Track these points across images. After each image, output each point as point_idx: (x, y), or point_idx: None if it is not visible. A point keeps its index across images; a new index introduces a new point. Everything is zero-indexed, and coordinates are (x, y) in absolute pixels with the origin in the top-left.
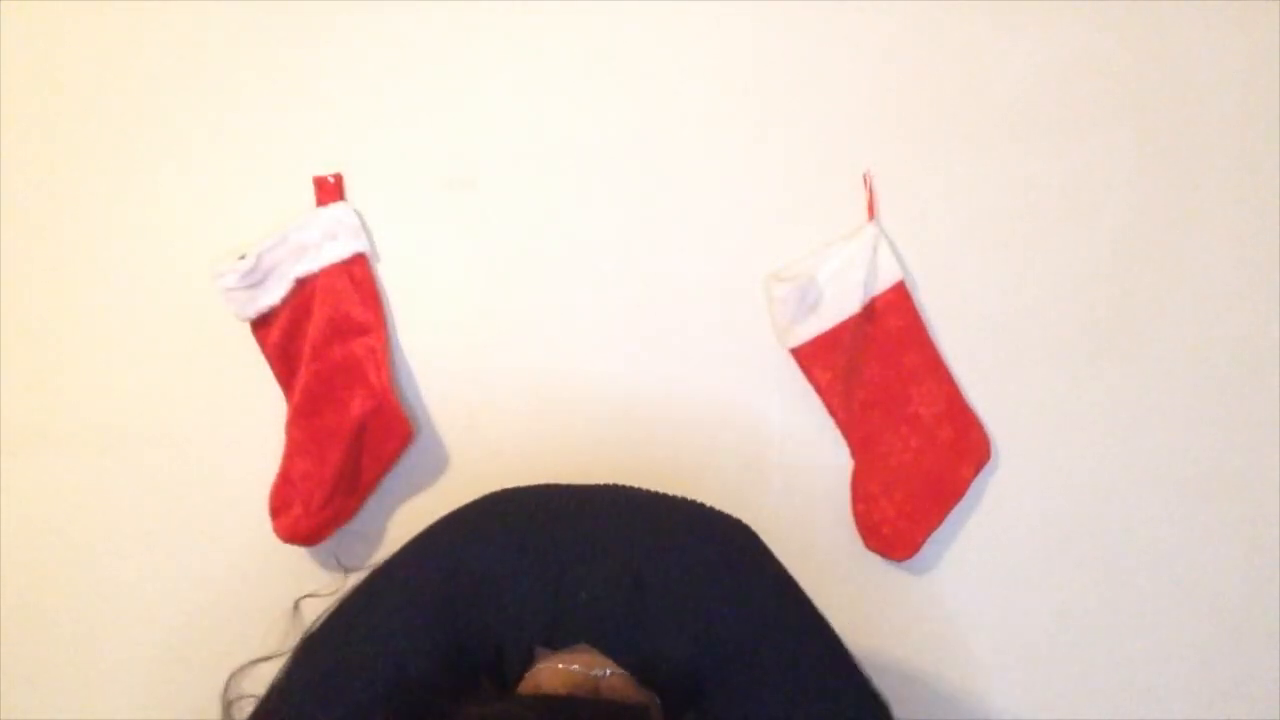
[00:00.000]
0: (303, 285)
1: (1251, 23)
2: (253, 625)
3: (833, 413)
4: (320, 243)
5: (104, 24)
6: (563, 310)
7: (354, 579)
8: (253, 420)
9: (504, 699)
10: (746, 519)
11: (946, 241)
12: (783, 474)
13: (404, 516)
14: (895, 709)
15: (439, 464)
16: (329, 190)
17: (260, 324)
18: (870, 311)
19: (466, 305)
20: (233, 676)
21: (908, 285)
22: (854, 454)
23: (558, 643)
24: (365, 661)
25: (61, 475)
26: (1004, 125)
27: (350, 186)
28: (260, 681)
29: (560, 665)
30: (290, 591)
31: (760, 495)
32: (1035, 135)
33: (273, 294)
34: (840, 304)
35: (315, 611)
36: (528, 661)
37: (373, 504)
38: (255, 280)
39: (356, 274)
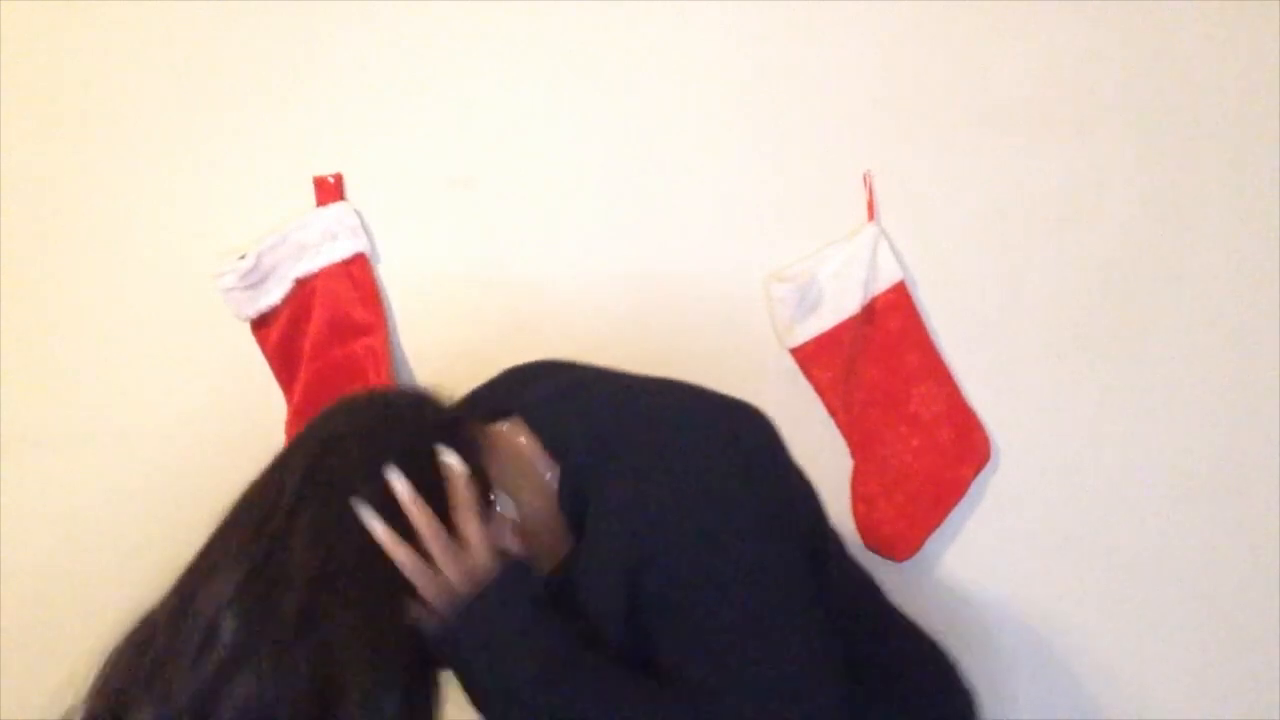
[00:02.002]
0: (303, 285)
1: (1251, 23)
2: None
3: (833, 413)
4: (320, 243)
5: (104, 24)
6: (563, 309)
7: None
8: (253, 420)
9: None
10: None
11: (946, 241)
12: None
13: None
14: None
15: None
16: (329, 190)
17: (260, 324)
18: (870, 312)
19: (466, 305)
20: None
21: (908, 285)
22: (854, 454)
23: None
24: None
25: (60, 475)
26: (1004, 125)
27: (350, 186)
28: None
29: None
30: None
31: None
32: (1035, 135)
33: (273, 294)
34: (840, 304)
35: None
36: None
37: None
38: (255, 280)
39: (356, 274)
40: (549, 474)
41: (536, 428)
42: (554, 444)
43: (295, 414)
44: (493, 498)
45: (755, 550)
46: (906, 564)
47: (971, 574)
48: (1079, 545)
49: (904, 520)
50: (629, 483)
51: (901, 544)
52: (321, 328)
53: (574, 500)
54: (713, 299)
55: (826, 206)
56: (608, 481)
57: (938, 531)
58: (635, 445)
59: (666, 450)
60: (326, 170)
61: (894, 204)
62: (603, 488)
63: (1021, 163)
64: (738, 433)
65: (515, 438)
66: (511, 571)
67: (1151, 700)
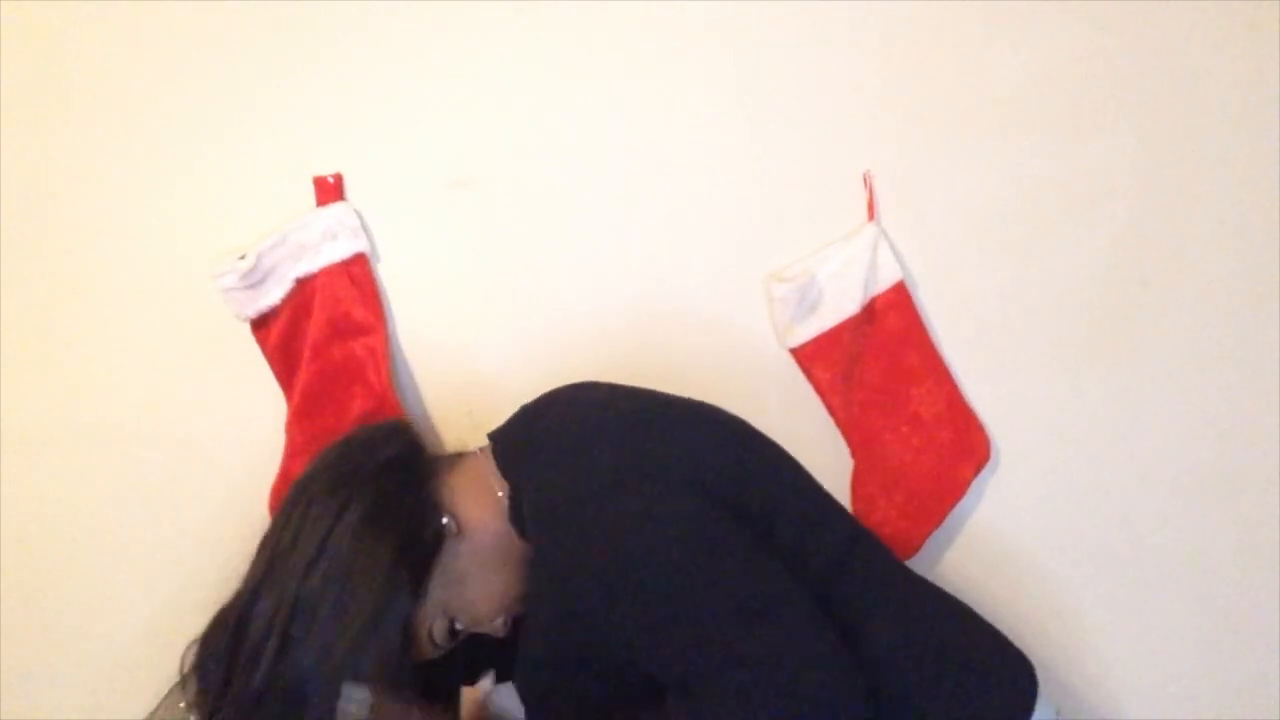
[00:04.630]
0: (303, 285)
1: (1251, 23)
2: None
3: (833, 413)
4: (320, 243)
5: (104, 25)
6: (562, 310)
7: None
8: (253, 420)
9: None
10: None
11: (946, 241)
12: None
13: None
14: None
15: None
16: (329, 190)
17: (260, 324)
18: (870, 311)
19: (466, 305)
20: None
21: (908, 285)
22: (854, 454)
23: None
24: None
25: (61, 475)
26: (1004, 125)
27: (350, 186)
28: None
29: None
30: None
31: None
32: (1036, 135)
33: (272, 294)
34: (840, 304)
35: None
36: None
37: None
38: (255, 280)
39: (356, 274)
40: (500, 492)
41: (495, 449)
42: (504, 464)
43: (295, 414)
44: (445, 520)
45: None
46: (906, 564)
47: (971, 574)
48: (1079, 545)
49: (904, 520)
50: (542, 512)
51: (901, 544)
52: (321, 328)
53: (517, 516)
54: (713, 299)
55: (826, 206)
56: (526, 500)
57: (938, 531)
58: (547, 469)
59: (568, 478)
60: (326, 170)
61: (894, 204)
62: (527, 507)
63: (1021, 163)
64: (645, 450)
65: (477, 461)
66: None
67: (1152, 700)
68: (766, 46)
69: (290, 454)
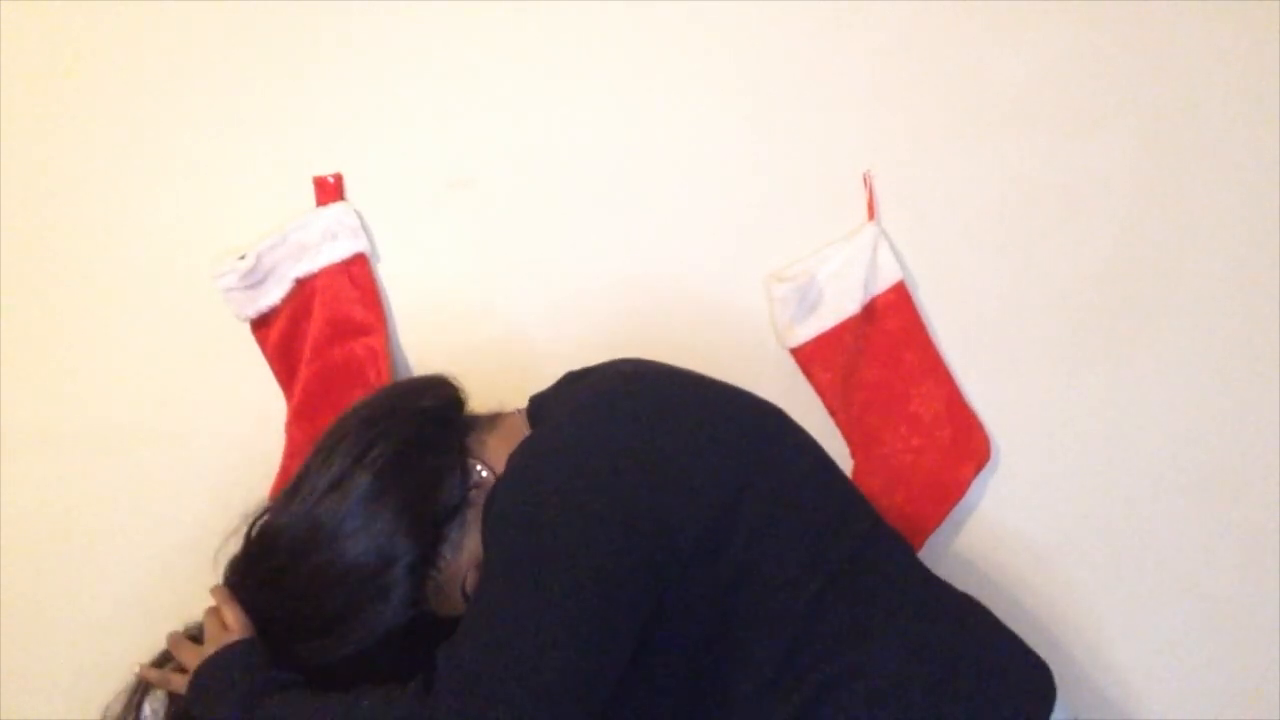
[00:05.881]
0: (302, 285)
1: (1251, 23)
2: None
3: (833, 413)
4: (320, 243)
5: (104, 25)
6: (562, 310)
7: None
8: (253, 420)
9: None
10: None
11: (946, 241)
12: None
13: None
14: None
15: None
16: (329, 190)
17: (260, 324)
18: (870, 311)
19: (466, 305)
20: None
21: (908, 285)
22: (854, 454)
23: None
24: None
25: (61, 475)
26: (1004, 125)
27: (350, 186)
28: None
29: None
30: None
31: None
32: (1035, 135)
33: (272, 294)
34: (840, 304)
35: None
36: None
37: None
38: (255, 280)
39: (356, 274)
40: None
41: (530, 411)
42: (535, 422)
43: (295, 414)
44: (479, 469)
45: (570, 541)
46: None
47: (972, 574)
48: (1079, 544)
49: (904, 520)
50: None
51: None
52: (321, 328)
53: None
54: (713, 299)
55: (826, 206)
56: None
57: (938, 531)
58: (557, 422)
59: (568, 426)
60: (326, 170)
61: (894, 204)
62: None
63: (1021, 162)
64: (656, 427)
65: (513, 419)
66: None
67: (1152, 700)
68: (766, 46)
69: (290, 454)
